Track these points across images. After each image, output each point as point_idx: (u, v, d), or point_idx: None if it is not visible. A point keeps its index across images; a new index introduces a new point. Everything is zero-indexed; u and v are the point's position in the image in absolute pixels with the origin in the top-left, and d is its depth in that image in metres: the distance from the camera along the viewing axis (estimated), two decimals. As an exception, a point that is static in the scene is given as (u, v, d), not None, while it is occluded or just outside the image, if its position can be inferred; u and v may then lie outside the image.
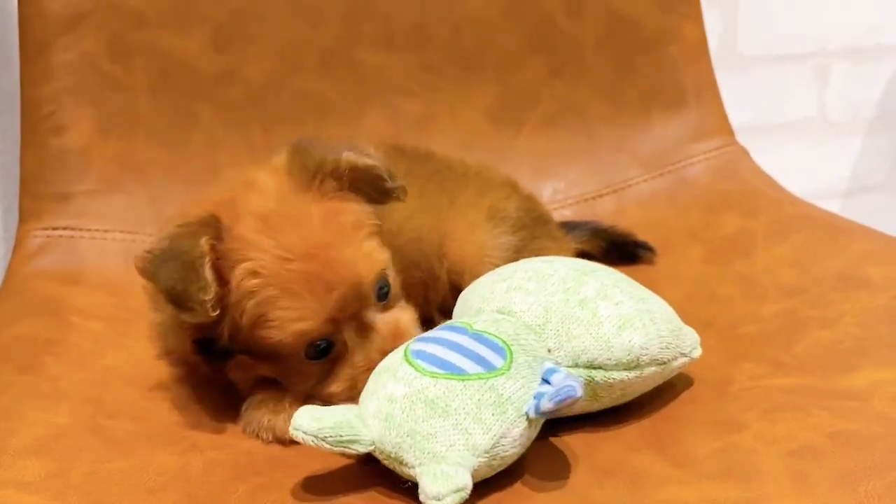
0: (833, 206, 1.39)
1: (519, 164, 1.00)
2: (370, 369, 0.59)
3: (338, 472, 0.58)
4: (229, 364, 0.64)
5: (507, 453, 0.54)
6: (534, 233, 0.80)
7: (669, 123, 1.06)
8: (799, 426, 0.59)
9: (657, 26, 1.05)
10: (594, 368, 0.60)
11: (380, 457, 0.55)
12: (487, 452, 0.53)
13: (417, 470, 0.53)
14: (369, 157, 0.64)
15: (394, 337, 0.62)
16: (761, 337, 0.73)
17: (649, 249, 0.92)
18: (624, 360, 0.60)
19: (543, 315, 0.61)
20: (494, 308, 0.62)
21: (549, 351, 0.60)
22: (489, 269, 0.69)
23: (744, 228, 0.94)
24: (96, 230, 0.89)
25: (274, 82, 0.96)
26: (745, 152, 1.06)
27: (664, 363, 0.62)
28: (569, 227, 0.93)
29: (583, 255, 0.91)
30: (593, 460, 0.57)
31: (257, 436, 0.63)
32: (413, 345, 0.58)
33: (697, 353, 0.64)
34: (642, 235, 0.93)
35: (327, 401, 0.62)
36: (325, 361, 0.62)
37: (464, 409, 0.53)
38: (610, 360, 0.60)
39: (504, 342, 0.58)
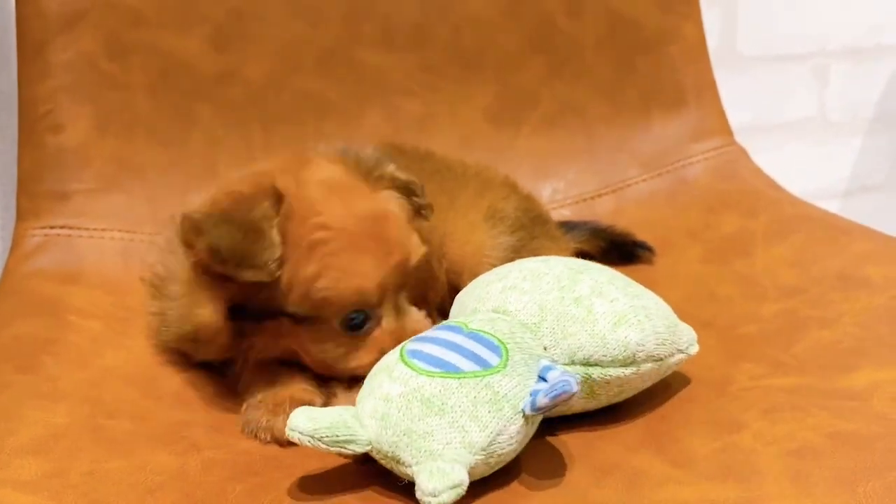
0: (832, 206, 1.38)
1: (518, 164, 1.00)
2: (398, 342, 0.61)
3: (335, 472, 0.58)
4: (261, 329, 0.64)
5: (503, 451, 0.54)
6: (532, 233, 0.80)
7: (669, 123, 1.06)
8: (798, 426, 0.59)
9: (657, 26, 1.05)
10: (591, 365, 0.60)
11: (377, 456, 0.55)
12: (484, 450, 0.53)
13: (414, 468, 0.53)
14: (412, 177, 0.69)
15: (422, 326, 0.65)
16: (761, 337, 0.73)
17: (648, 249, 0.92)
18: (620, 357, 0.60)
19: (539, 313, 0.61)
20: (490, 308, 0.62)
21: (545, 349, 0.60)
22: (487, 269, 0.69)
23: (743, 228, 0.94)
24: (94, 229, 0.89)
25: (273, 82, 0.96)
26: (744, 152, 1.06)
27: (661, 359, 0.62)
28: (568, 226, 0.93)
29: (582, 254, 0.91)
30: (592, 460, 0.57)
31: (255, 436, 0.63)
32: (409, 345, 0.58)
33: (694, 349, 0.64)
34: (641, 235, 0.93)
35: (351, 374, 0.64)
36: (357, 336, 0.64)
37: (460, 406, 0.54)
38: (606, 356, 0.60)
39: (500, 340, 0.58)
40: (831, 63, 1.36)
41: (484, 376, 0.55)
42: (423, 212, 0.69)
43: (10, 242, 0.89)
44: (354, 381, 0.66)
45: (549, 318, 0.61)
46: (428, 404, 0.54)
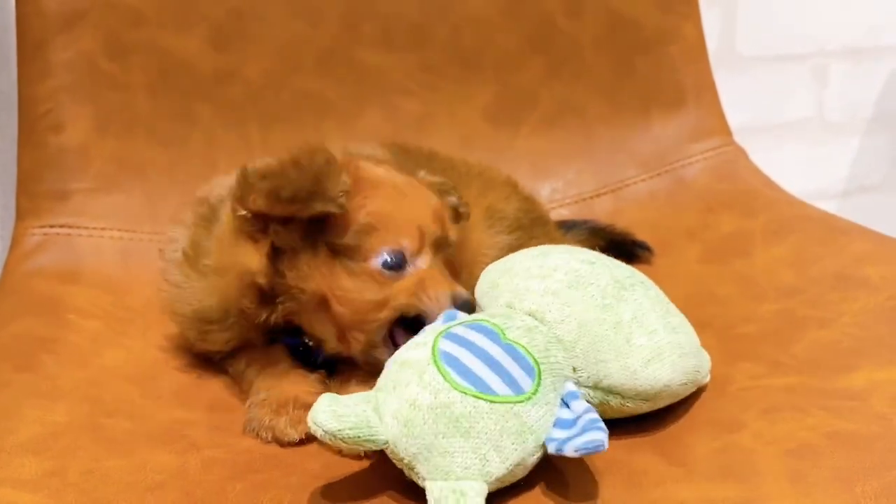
0: (831, 206, 1.38)
1: (518, 164, 1.00)
2: (440, 281, 0.64)
3: (335, 471, 0.58)
4: (296, 265, 0.64)
5: (516, 477, 0.54)
6: (531, 233, 0.80)
7: (668, 123, 1.06)
8: (797, 426, 0.59)
9: (656, 26, 1.05)
10: (613, 394, 0.59)
11: (391, 456, 0.54)
12: (499, 479, 0.53)
13: (428, 484, 0.52)
14: (444, 179, 0.73)
15: (453, 285, 0.66)
16: (759, 337, 0.73)
17: (647, 249, 0.92)
18: (645, 394, 0.59)
19: (576, 331, 0.59)
20: (527, 310, 0.60)
21: (575, 370, 0.58)
22: (483, 268, 0.69)
23: (742, 228, 0.94)
24: (94, 228, 0.89)
25: (273, 82, 0.96)
26: (743, 152, 1.06)
27: (677, 396, 0.61)
28: (567, 225, 0.93)
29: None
30: (591, 459, 0.57)
31: (257, 435, 0.62)
32: (443, 343, 0.56)
33: (707, 379, 0.64)
34: (640, 235, 0.93)
35: (381, 312, 0.64)
36: (392, 277, 0.64)
37: (486, 433, 0.52)
38: (632, 390, 0.59)
39: (535, 360, 0.56)
40: (830, 63, 1.36)
41: (514, 403, 0.53)
42: (460, 210, 0.73)
43: (9, 241, 0.89)
44: (348, 376, 0.66)
45: (585, 340, 0.58)
46: (456, 423, 0.52)
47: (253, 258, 0.65)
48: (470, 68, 1.01)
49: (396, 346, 0.60)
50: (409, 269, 0.65)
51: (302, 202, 0.62)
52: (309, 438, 0.62)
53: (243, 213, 0.64)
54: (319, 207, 0.62)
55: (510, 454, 0.53)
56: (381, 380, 0.56)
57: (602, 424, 0.53)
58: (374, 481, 0.56)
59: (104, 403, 0.66)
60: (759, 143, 1.16)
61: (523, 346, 0.57)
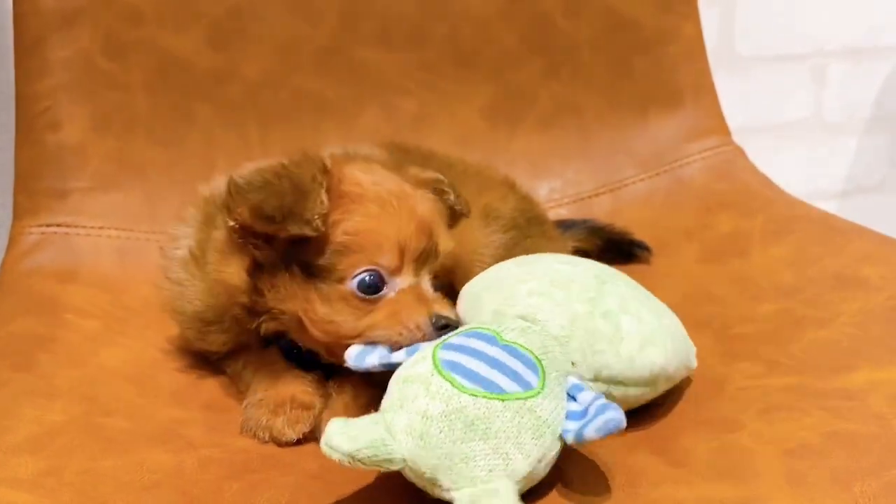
0: (830, 206, 1.38)
1: (516, 164, 1.00)
2: (418, 302, 0.62)
3: (331, 470, 0.58)
4: (274, 285, 0.63)
5: (539, 476, 0.53)
6: (526, 232, 0.80)
7: (666, 123, 1.06)
8: (795, 426, 0.59)
9: (655, 26, 1.05)
10: (614, 384, 0.59)
11: (409, 475, 0.52)
12: (525, 478, 0.52)
13: (454, 494, 0.51)
14: (437, 173, 0.69)
15: (440, 305, 0.63)
16: (758, 336, 0.73)
17: (645, 248, 0.92)
18: (644, 379, 0.60)
19: (569, 326, 0.59)
20: (517, 314, 0.60)
21: (573, 364, 0.58)
22: (479, 267, 0.69)
23: (740, 228, 0.94)
24: (91, 227, 0.89)
25: (271, 81, 0.96)
26: (741, 152, 1.06)
27: (673, 380, 0.62)
28: (565, 225, 0.93)
29: (579, 253, 0.91)
30: (588, 459, 0.57)
31: (254, 435, 0.62)
32: (442, 353, 0.56)
33: (695, 364, 0.65)
34: (639, 235, 0.93)
35: (357, 337, 0.62)
36: (369, 301, 0.62)
37: (504, 432, 0.52)
38: (631, 377, 0.59)
39: (535, 357, 0.56)
40: (829, 63, 1.36)
41: (526, 399, 0.53)
42: (458, 209, 0.70)
43: (7, 240, 0.89)
44: (344, 379, 0.65)
45: (579, 334, 0.59)
46: (472, 427, 0.51)
47: (235, 274, 0.64)
48: (468, 68, 1.01)
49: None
50: (388, 290, 0.63)
51: (279, 223, 0.60)
52: (306, 438, 0.62)
53: (232, 223, 0.62)
54: (295, 230, 0.60)
55: (531, 449, 0.52)
56: (386, 401, 0.55)
57: (614, 404, 0.54)
58: (372, 481, 0.56)
59: (101, 403, 0.66)
60: (758, 143, 1.16)
61: (521, 346, 0.57)
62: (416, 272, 0.64)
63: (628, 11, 1.04)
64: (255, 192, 0.61)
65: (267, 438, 0.62)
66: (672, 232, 0.96)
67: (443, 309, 0.63)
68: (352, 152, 0.76)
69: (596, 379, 0.59)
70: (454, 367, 0.54)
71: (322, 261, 0.61)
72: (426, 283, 0.65)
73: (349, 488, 0.55)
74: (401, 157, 0.78)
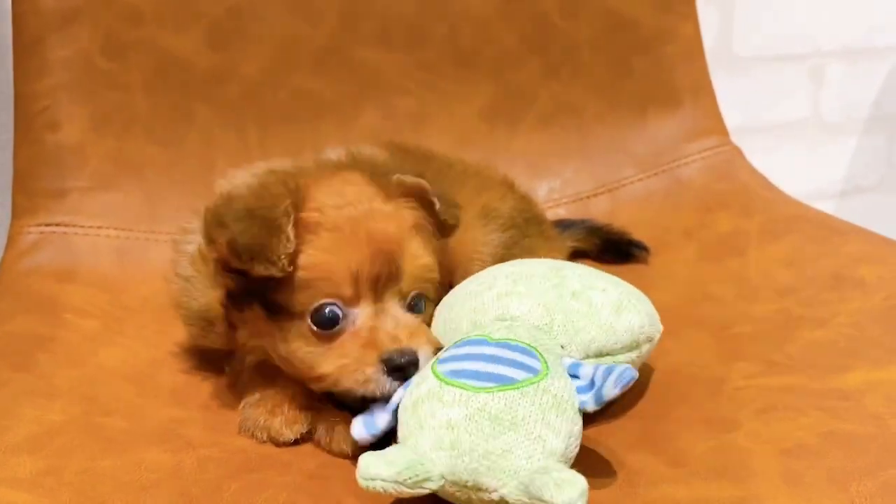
0: (828, 206, 1.39)
1: (514, 163, 1.00)
2: (368, 346, 0.59)
3: (330, 470, 0.58)
4: (244, 317, 0.63)
5: (573, 452, 0.53)
6: (525, 232, 0.81)
7: (665, 123, 1.06)
8: (792, 426, 0.59)
9: (653, 26, 1.05)
10: (603, 355, 0.61)
11: (451, 490, 0.51)
12: (563, 455, 0.52)
13: (503, 491, 0.50)
14: (421, 180, 0.65)
15: (408, 334, 0.60)
16: (755, 336, 0.73)
17: (644, 248, 0.92)
18: (628, 343, 0.62)
19: (546, 314, 0.61)
20: (492, 317, 0.61)
21: (563, 347, 0.60)
22: (479, 266, 0.69)
23: (738, 228, 0.94)
24: (90, 227, 0.89)
25: (270, 80, 0.96)
26: (739, 152, 1.07)
27: (652, 339, 0.64)
28: (563, 225, 0.93)
29: (577, 253, 0.91)
30: (587, 459, 0.57)
31: (252, 435, 0.62)
32: (441, 367, 0.55)
33: (661, 326, 0.66)
34: (637, 234, 0.93)
35: (315, 386, 0.61)
36: (328, 335, 0.60)
37: (530, 416, 0.52)
38: (617, 344, 0.61)
39: (529, 345, 0.57)
40: (827, 64, 1.36)
41: (538, 381, 0.53)
42: (445, 220, 0.66)
43: (5, 240, 0.89)
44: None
45: (558, 318, 0.61)
46: (498, 421, 0.51)
47: (212, 306, 0.64)
48: (467, 68, 1.01)
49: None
50: (347, 323, 0.60)
51: (247, 263, 0.59)
52: (304, 438, 0.62)
53: (214, 255, 0.61)
54: (262, 271, 0.58)
55: (560, 426, 0.52)
56: (402, 431, 0.55)
57: (617, 364, 0.55)
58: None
59: (100, 402, 0.66)
60: (756, 143, 1.16)
61: (513, 339, 0.58)
62: (378, 298, 0.61)
63: (627, 11, 1.04)
64: (229, 227, 0.59)
65: (265, 438, 0.62)
66: (670, 232, 0.96)
67: (398, 342, 0.59)
68: (354, 152, 0.75)
69: (586, 356, 0.61)
70: (458, 374, 0.54)
71: (281, 298, 0.60)
72: (393, 308, 0.62)
73: (347, 488, 0.56)
74: (400, 157, 0.78)
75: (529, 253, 0.77)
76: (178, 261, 0.70)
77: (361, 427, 0.58)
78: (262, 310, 0.62)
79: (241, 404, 0.65)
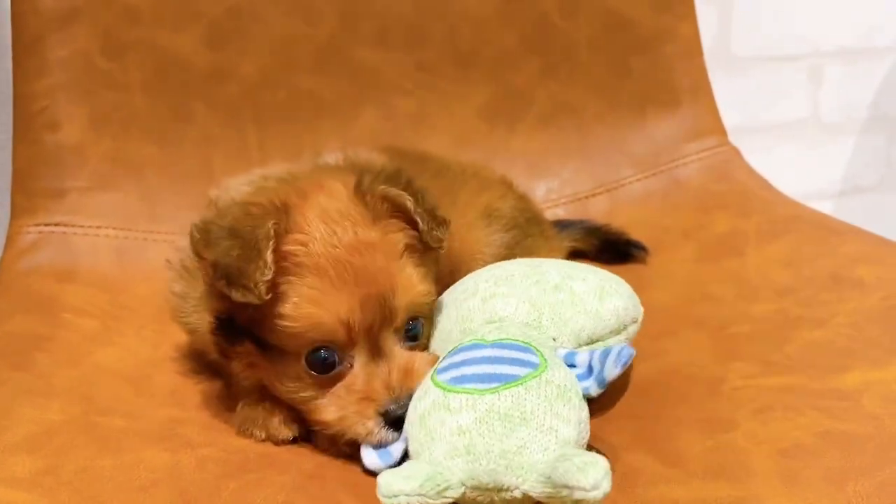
0: (826, 206, 1.39)
1: (513, 163, 1.00)
2: (365, 400, 0.58)
3: (328, 469, 0.58)
4: (235, 350, 0.61)
5: (585, 439, 0.54)
6: (526, 231, 0.81)
7: (663, 123, 1.06)
8: (790, 425, 0.59)
9: (652, 26, 1.05)
10: (594, 342, 0.62)
11: (472, 494, 0.51)
12: (577, 442, 0.52)
13: (525, 487, 0.50)
14: (407, 193, 0.62)
15: (405, 374, 0.59)
16: (753, 336, 0.73)
17: (642, 248, 0.92)
18: (615, 326, 0.63)
19: (533, 310, 0.62)
20: (481, 321, 0.62)
21: (554, 339, 0.61)
22: (481, 266, 0.69)
23: (736, 228, 0.94)
24: (89, 227, 0.89)
25: (269, 80, 0.96)
26: (738, 153, 1.07)
27: (636, 320, 0.65)
28: (562, 225, 0.93)
29: (576, 253, 0.91)
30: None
31: (251, 434, 0.63)
32: (441, 377, 0.55)
33: (641, 307, 0.67)
34: (635, 234, 0.93)
35: (314, 425, 0.60)
36: (324, 378, 0.59)
37: (539, 409, 0.52)
38: (605, 329, 0.62)
39: (524, 342, 0.57)
40: (825, 64, 1.36)
41: (540, 374, 0.54)
42: (428, 242, 0.62)
43: (4, 240, 0.89)
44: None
45: (545, 312, 0.61)
46: (508, 419, 0.52)
47: (204, 332, 0.63)
48: (466, 68, 1.01)
49: None
50: (344, 364, 0.59)
51: (227, 284, 0.57)
52: (302, 437, 0.62)
53: (203, 272, 0.59)
54: (239, 297, 0.56)
55: (569, 415, 0.53)
56: (413, 446, 0.55)
57: (618, 345, 0.57)
58: (367, 480, 0.56)
59: (98, 402, 0.66)
60: (755, 143, 1.16)
61: (506, 338, 0.58)
62: (374, 338, 0.59)
63: (626, 11, 1.05)
64: (216, 243, 0.58)
65: (263, 437, 0.62)
66: (668, 232, 0.96)
67: (392, 390, 0.58)
68: (352, 156, 0.75)
69: (578, 345, 0.61)
70: (460, 380, 0.55)
71: (272, 339, 0.59)
72: (389, 346, 0.60)
73: (345, 488, 0.56)
74: (398, 160, 0.78)
75: (530, 253, 0.77)
76: (172, 277, 0.69)
77: (375, 458, 0.57)
78: (253, 346, 0.60)
79: (240, 404, 0.65)
